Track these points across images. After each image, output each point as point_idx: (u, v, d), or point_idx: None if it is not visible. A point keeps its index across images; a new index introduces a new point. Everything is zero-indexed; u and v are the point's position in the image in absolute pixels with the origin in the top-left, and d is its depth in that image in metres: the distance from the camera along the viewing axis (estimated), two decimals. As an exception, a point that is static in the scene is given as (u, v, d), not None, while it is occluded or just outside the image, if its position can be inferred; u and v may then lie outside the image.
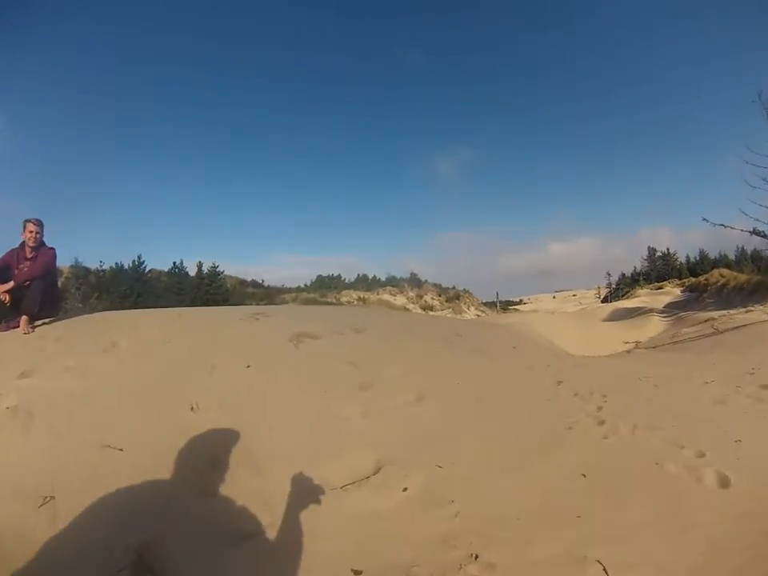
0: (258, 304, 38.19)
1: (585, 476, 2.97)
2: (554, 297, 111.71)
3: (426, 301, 51.09)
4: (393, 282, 55.27)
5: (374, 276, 59.62)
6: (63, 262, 34.77)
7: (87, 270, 33.60)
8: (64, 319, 6.04)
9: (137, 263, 32.34)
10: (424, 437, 3.46)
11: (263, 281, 50.35)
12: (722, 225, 13.49)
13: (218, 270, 36.59)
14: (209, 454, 2.95)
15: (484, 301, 65.26)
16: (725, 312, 17.56)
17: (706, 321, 16.44)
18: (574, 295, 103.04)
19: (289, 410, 3.66)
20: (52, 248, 5.60)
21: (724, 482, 2.97)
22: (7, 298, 5.20)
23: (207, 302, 32.23)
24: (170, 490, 2.66)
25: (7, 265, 5.45)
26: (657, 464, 3.16)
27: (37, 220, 5.51)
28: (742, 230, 13.46)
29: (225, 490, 2.69)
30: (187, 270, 36.50)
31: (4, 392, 3.64)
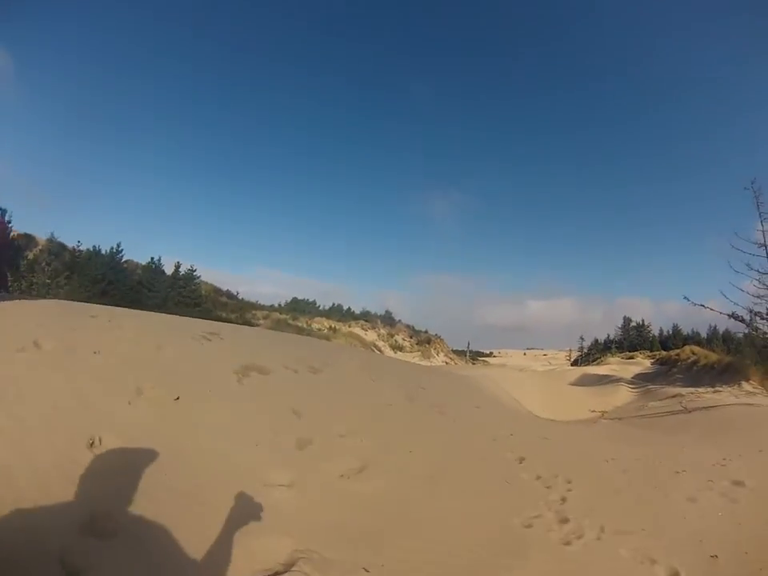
0: (228, 315, 37.56)
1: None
2: (524, 353, 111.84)
3: (396, 340, 50.42)
4: (366, 317, 54.45)
5: (349, 308, 58.50)
6: (41, 234, 34.35)
7: (63, 246, 32.42)
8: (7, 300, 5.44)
9: (114, 250, 31.38)
10: (356, 524, 2.90)
11: (238, 293, 49.54)
12: (702, 305, 13.32)
13: (194, 273, 35.97)
14: (84, 517, 2.32)
15: (454, 348, 64.92)
16: (693, 389, 17.37)
17: (674, 396, 16.21)
18: (544, 354, 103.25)
19: (205, 465, 3.07)
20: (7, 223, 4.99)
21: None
22: None
23: (178, 304, 31.61)
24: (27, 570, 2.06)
25: None
26: (626, 588, 2.68)
27: None
28: (720, 313, 13.33)
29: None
30: (164, 267, 35.48)
31: None
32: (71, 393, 3.37)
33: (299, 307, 52.13)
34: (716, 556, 3.19)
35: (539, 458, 4.76)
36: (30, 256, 25.94)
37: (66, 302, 6.81)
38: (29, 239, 33.37)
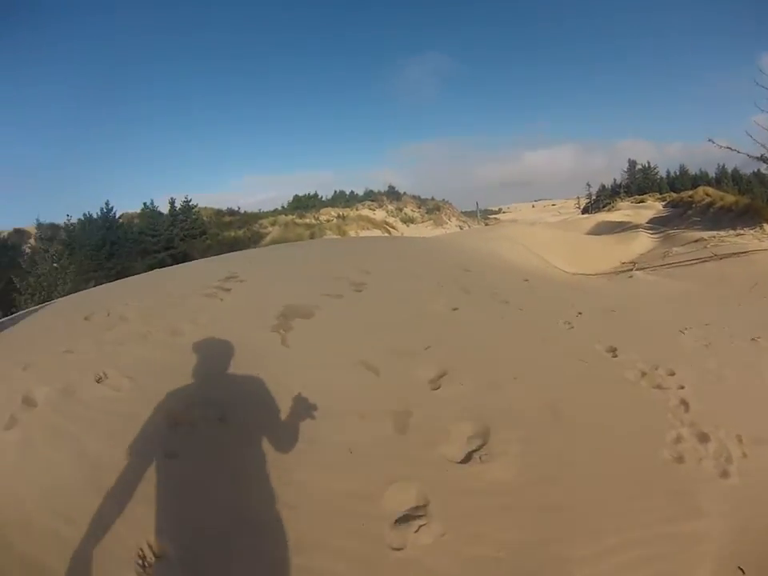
0: (236, 233, 36.80)
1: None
2: (533, 206, 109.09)
3: (406, 213, 48.61)
4: (371, 197, 52.16)
5: (352, 191, 56.05)
6: (26, 224, 34.65)
7: (55, 226, 31.81)
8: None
9: (105, 210, 30.08)
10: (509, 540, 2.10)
11: (239, 208, 48.13)
12: (729, 147, 12.36)
13: (190, 203, 34.62)
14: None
15: (463, 210, 63.49)
16: (714, 233, 16.73)
17: (696, 241, 15.70)
18: (553, 204, 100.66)
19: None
20: None
21: None
22: None
23: (185, 239, 31.27)
24: None
25: None
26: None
27: None
28: (748, 155, 12.36)
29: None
30: (159, 208, 33.98)
31: None
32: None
33: (303, 203, 49.99)
34: None
35: (627, 344, 4.22)
36: (28, 250, 25.25)
37: (52, 312, 5.52)
38: (20, 234, 33.86)
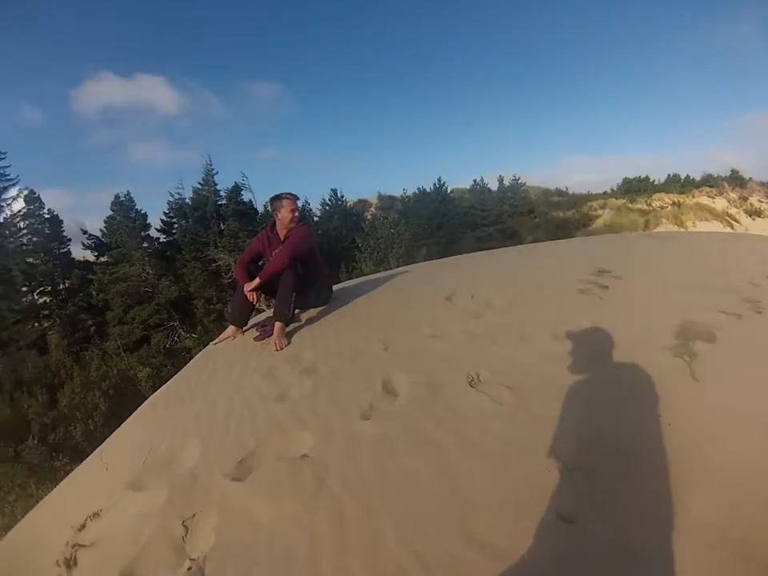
0: (564, 213, 36.69)
1: None
2: None
3: (751, 204, 38.82)
4: (709, 182, 42.74)
5: (687, 176, 46.83)
6: (368, 195, 43.31)
7: (393, 197, 38.18)
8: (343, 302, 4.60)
9: (438, 185, 32.66)
10: None
11: (567, 188, 47.34)
12: None
13: (519, 181, 35.59)
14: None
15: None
16: None
17: None
18: None
19: None
20: (303, 225, 4.21)
21: None
22: (254, 298, 4.03)
23: (512, 215, 32.97)
24: None
25: (258, 254, 4.30)
26: None
27: (293, 194, 4.18)
28: None
29: None
30: (488, 185, 36.07)
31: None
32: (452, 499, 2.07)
33: (633, 187, 44.54)
34: None
35: None
36: (369, 217, 30.06)
37: (405, 283, 5.34)
38: (362, 203, 41.12)
